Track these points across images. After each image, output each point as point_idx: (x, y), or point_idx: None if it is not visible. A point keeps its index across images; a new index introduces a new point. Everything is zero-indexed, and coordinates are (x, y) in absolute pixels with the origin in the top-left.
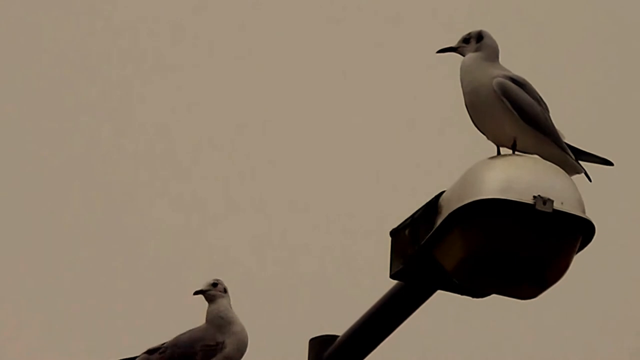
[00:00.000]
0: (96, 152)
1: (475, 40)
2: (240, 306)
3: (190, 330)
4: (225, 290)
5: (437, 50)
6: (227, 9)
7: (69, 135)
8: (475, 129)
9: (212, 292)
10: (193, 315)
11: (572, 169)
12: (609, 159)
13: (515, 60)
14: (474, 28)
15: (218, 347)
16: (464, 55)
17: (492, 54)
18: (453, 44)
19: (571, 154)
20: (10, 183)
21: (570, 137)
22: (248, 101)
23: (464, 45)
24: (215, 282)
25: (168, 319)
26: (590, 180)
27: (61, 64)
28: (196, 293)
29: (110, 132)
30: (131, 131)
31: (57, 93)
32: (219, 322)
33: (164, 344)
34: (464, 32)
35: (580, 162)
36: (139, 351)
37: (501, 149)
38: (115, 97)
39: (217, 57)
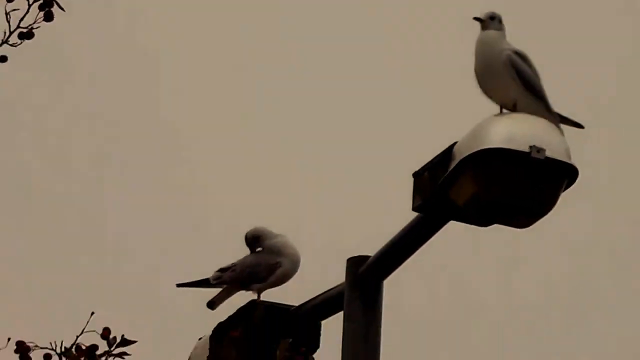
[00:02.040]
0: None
1: (498, 21)
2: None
3: (252, 254)
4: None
5: (473, 17)
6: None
7: None
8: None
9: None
10: None
11: None
12: (580, 122)
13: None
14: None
15: (277, 265)
16: (484, 29)
17: (505, 34)
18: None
19: (557, 116)
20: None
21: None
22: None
23: (489, 21)
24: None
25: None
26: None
27: None
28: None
29: None
30: None
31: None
32: (274, 248)
33: (234, 263)
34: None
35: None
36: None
37: (503, 109)
38: None
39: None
